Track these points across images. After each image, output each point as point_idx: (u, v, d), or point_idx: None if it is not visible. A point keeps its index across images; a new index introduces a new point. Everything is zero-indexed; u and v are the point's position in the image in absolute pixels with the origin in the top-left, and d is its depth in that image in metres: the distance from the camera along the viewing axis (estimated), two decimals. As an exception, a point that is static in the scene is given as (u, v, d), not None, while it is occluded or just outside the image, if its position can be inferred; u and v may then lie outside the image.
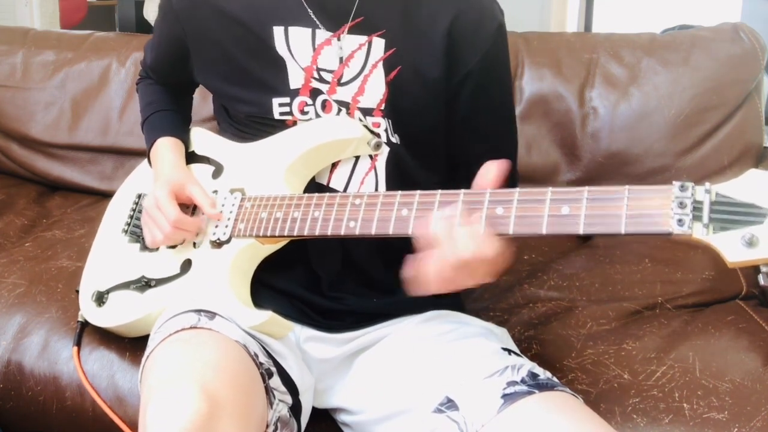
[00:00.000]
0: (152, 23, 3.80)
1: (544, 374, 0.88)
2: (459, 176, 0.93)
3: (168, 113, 1.20)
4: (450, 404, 0.86)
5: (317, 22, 0.99)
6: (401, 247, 0.85)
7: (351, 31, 0.98)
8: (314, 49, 0.99)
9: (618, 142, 1.49)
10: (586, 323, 1.20)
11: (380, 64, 0.98)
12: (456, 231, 0.78)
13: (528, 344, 1.16)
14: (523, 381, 0.85)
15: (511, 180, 1.10)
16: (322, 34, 0.99)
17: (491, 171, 0.80)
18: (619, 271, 1.35)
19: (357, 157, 1.01)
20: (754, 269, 1.29)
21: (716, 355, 1.09)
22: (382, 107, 0.98)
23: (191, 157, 1.15)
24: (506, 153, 1.07)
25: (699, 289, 1.28)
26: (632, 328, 1.18)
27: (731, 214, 0.66)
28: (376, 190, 1.00)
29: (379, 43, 0.98)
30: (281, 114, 1.02)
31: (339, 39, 0.98)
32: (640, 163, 1.47)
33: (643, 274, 1.33)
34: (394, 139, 1.00)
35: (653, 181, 1.47)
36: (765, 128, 1.51)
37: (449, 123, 1.01)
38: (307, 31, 0.99)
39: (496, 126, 1.06)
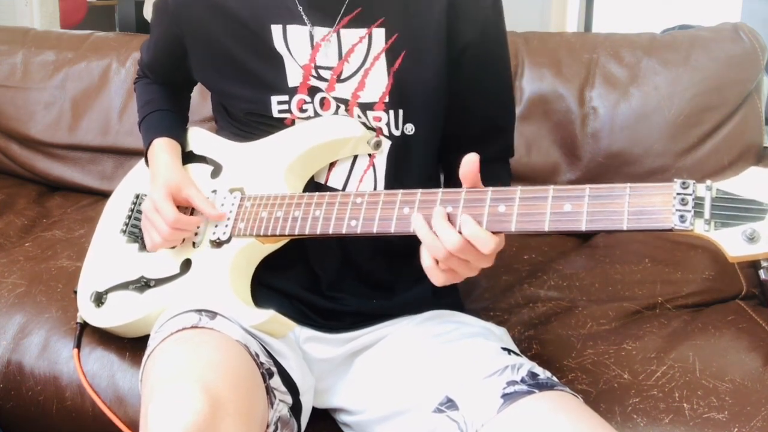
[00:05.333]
0: (152, 23, 3.80)
1: (543, 374, 0.88)
2: (451, 157, 0.92)
3: (165, 113, 1.20)
4: (450, 404, 0.86)
5: (312, 19, 0.98)
6: (400, 246, 0.85)
7: (349, 25, 0.97)
8: (312, 46, 0.98)
9: (618, 142, 1.49)
10: (586, 323, 1.20)
11: (383, 56, 0.97)
12: (443, 234, 0.79)
13: (528, 344, 1.16)
14: (522, 381, 0.85)
15: (505, 168, 1.10)
16: (320, 31, 0.98)
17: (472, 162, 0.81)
18: (619, 271, 1.35)
19: (355, 156, 1.01)
20: (754, 267, 1.30)
21: (716, 355, 1.09)
22: (386, 100, 0.98)
23: (189, 157, 1.15)
24: (504, 127, 1.07)
25: (699, 289, 1.28)
26: (632, 328, 1.18)
27: (732, 210, 0.67)
28: (375, 187, 1.00)
29: (379, 34, 0.97)
30: (280, 112, 1.02)
31: (338, 34, 0.98)
32: (640, 163, 1.47)
33: (643, 274, 1.33)
34: (397, 131, 0.99)
35: (653, 180, 1.46)
36: (765, 128, 1.51)
37: (449, 99, 1.01)
38: (304, 29, 0.98)
39: (496, 99, 1.06)
